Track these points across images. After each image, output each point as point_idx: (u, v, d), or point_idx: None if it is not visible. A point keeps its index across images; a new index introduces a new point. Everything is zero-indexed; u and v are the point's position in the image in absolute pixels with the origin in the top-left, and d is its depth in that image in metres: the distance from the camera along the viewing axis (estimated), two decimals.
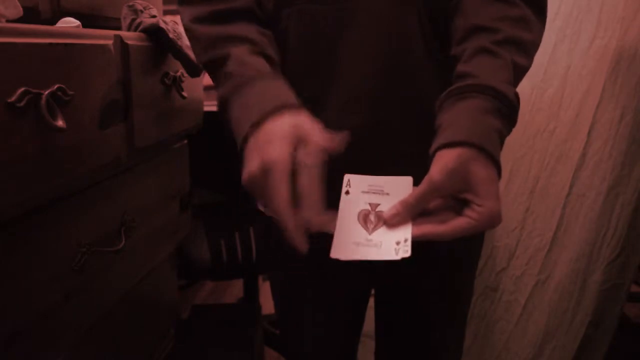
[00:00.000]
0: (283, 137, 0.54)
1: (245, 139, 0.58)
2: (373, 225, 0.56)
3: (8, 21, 0.66)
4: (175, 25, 0.94)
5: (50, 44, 0.59)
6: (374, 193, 0.58)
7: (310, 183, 0.53)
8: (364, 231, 0.56)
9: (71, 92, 0.61)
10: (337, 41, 0.67)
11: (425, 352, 0.84)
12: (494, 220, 0.54)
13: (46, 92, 0.56)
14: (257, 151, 0.55)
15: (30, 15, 0.75)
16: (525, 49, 0.63)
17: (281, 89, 0.61)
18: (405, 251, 0.54)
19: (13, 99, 0.52)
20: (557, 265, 1.42)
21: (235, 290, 2.33)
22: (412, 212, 0.56)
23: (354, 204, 0.58)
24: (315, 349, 0.87)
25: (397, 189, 0.58)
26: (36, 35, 0.58)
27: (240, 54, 0.64)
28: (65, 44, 0.62)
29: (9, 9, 0.66)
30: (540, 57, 1.42)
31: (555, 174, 1.41)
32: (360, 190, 0.58)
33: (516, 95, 0.60)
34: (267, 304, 1.93)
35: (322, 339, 0.86)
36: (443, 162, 0.55)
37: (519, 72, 0.62)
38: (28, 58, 0.56)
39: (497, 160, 0.56)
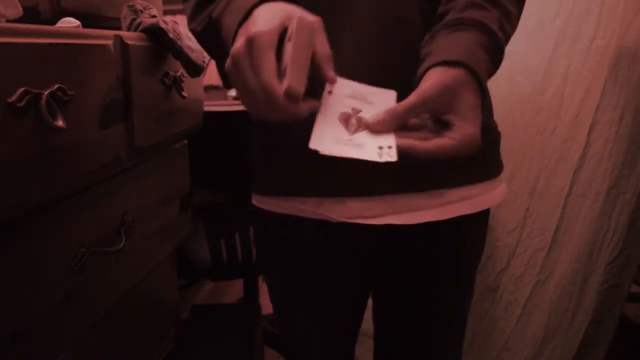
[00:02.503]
0: (270, 15, 0.53)
1: (236, 33, 0.55)
2: (354, 128, 0.55)
3: (8, 21, 0.66)
4: (175, 25, 0.94)
5: (50, 44, 0.59)
6: (357, 99, 0.57)
7: (297, 50, 0.51)
8: (345, 131, 0.54)
9: (71, 92, 0.61)
10: (331, 17, 0.66)
11: (424, 350, 0.84)
12: (474, 144, 0.55)
13: (46, 92, 0.56)
14: (243, 31, 0.53)
15: (30, 15, 0.75)
16: (509, 17, 0.63)
17: None
18: (390, 156, 0.52)
19: (13, 99, 0.52)
20: (557, 265, 1.42)
21: (235, 290, 2.33)
22: (398, 121, 0.55)
23: (336, 105, 0.56)
24: (314, 348, 0.87)
25: (380, 99, 0.57)
26: (36, 35, 0.58)
27: None
28: (65, 44, 0.62)
29: (9, 9, 0.66)
30: (540, 57, 1.42)
31: (555, 174, 1.41)
32: (344, 94, 0.57)
33: (503, 45, 0.61)
34: (267, 304, 1.93)
35: (321, 339, 0.86)
36: (438, 78, 0.55)
37: (505, 34, 0.62)
38: (28, 58, 0.56)
39: (485, 89, 0.57)
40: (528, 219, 1.44)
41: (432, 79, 0.55)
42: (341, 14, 0.66)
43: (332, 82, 0.55)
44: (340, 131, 0.54)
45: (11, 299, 0.58)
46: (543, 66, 1.41)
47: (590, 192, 1.38)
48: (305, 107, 0.52)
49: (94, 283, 0.74)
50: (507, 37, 0.63)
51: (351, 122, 0.55)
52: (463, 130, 0.54)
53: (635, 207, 1.36)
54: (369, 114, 0.55)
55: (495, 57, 0.59)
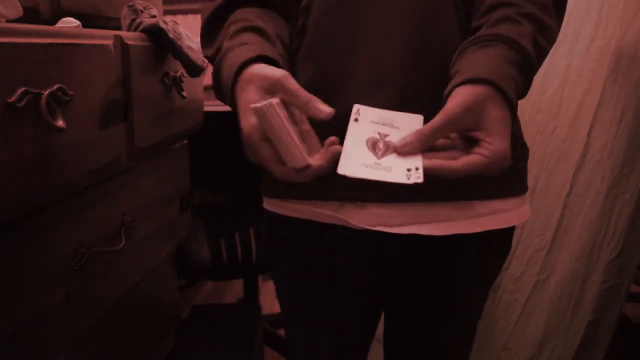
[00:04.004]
0: (246, 106, 0.56)
1: (233, 99, 0.60)
2: (382, 152, 0.55)
3: (8, 21, 0.66)
4: (175, 25, 0.94)
5: (50, 44, 0.59)
6: (383, 124, 0.57)
7: (278, 135, 0.54)
8: (372, 155, 0.54)
9: (71, 92, 0.61)
10: (362, 16, 0.65)
11: (434, 356, 0.83)
12: (505, 160, 0.54)
13: (46, 92, 0.56)
14: (240, 120, 0.59)
15: (30, 15, 0.75)
16: (545, 31, 0.62)
17: (257, 43, 0.62)
18: (417, 177, 0.52)
19: (13, 99, 0.52)
20: (557, 265, 1.42)
21: (235, 290, 2.33)
22: (425, 142, 0.54)
23: (362, 132, 0.56)
24: (325, 355, 0.84)
25: (407, 124, 0.57)
26: (36, 35, 0.58)
27: (230, 33, 0.66)
28: (65, 44, 0.62)
29: (9, 9, 0.66)
30: None
31: (555, 174, 1.41)
32: (369, 120, 0.57)
33: (534, 60, 0.60)
34: (267, 304, 1.93)
35: (329, 346, 0.83)
36: (462, 96, 0.54)
37: (539, 49, 0.61)
38: (28, 58, 0.56)
39: (513, 104, 0.55)
40: (528, 219, 1.44)
41: (458, 97, 0.54)
42: (372, 10, 0.65)
43: (328, 116, 0.55)
44: (368, 155, 0.54)
45: (11, 299, 0.58)
46: (543, 66, 1.41)
47: (590, 192, 1.38)
48: (311, 171, 0.55)
49: (94, 283, 0.74)
50: (543, 51, 0.62)
51: (378, 146, 0.55)
52: (492, 145, 0.53)
53: (635, 207, 1.36)
54: (396, 137, 0.56)
55: (526, 73, 0.58)
